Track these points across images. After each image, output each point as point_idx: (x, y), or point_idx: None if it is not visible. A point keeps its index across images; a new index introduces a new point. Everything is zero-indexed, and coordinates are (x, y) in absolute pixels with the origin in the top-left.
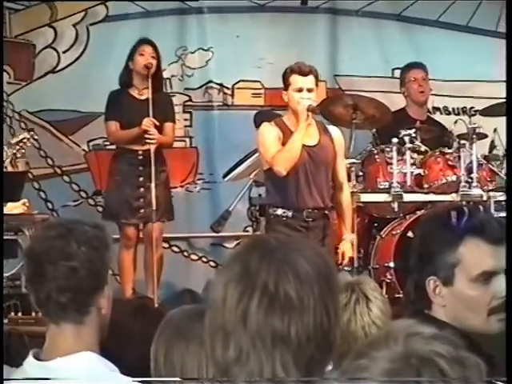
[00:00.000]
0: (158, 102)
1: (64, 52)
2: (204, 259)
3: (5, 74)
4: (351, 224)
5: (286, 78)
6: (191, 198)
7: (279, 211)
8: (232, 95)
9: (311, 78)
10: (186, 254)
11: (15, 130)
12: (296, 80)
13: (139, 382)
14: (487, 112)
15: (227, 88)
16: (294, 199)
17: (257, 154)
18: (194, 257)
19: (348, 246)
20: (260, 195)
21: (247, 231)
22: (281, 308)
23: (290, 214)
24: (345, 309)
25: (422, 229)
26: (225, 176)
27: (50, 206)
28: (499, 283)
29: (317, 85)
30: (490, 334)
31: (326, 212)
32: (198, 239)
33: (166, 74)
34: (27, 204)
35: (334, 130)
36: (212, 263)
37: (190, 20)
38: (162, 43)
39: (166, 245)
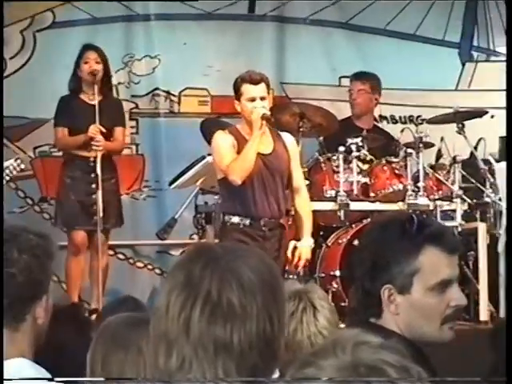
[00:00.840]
0: (108, 106)
1: (11, 58)
2: (149, 267)
3: None
4: (310, 229)
5: (237, 87)
6: (137, 206)
7: (236, 219)
8: (178, 103)
9: (263, 86)
10: (131, 261)
11: None
12: (247, 89)
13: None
14: (435, 120)
15: (174, 95)
16: (251, 208)
17: (203, 162)
18: (139, 264)
19: (306, 250)
20: (206, 203)
21: (193, 239)
22: (223, 316)
23: (247, 222)
24: (291, 318)
25: (373, 237)
26: (171, 183)
27: None
28: (453, 292)
29: (268, 92)
30: (441, 342)
31: (282, 221)
32: (143, 247)
33: (112, 81)
34: None
35: (287, 136)
36: (158, 271)
37: (137, 27)
38: (109, 50)
39: (111, 252)
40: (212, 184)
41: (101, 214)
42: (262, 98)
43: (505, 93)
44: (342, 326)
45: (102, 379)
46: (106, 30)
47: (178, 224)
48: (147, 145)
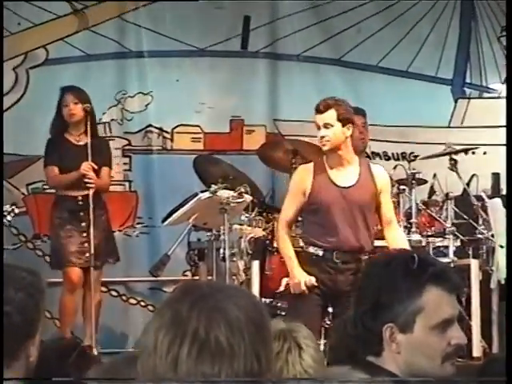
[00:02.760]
0: (95, 146)
1: (4, 95)
2: (142, 303)
3: None
4: None
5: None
6: (130, 242)
7: (311, 249)
8: (171, 139)
9: (329, 113)
10: (124, 298)
11: None
12: (315, 118)
13: None
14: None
15: (167, 132)
16: (324, 239)
17: (196, 199)
18: (132, 301)
19: None
20: (199, 239)
21: (186, 275)
22: (211, 354)
23: (320, 253)
24: (277, 357)
25: (375, 275)
26: (164, 220)
27: None
28: (454, 330)
29: (341, 120)
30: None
31: (360, 256)
32: (136, 283)
33: (105, 118)
34: None
35: (376, 168)
36: (151, 307)
37: (130, 64)
38: (102, 87)
39: (104, 289)
40: (204, 220)
41: (92, 251)
42: (326, 126)
43: (498, 129)
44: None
45: (103, 379)
46: (98, 66)
47: (171, 261)
48: (140, 181)
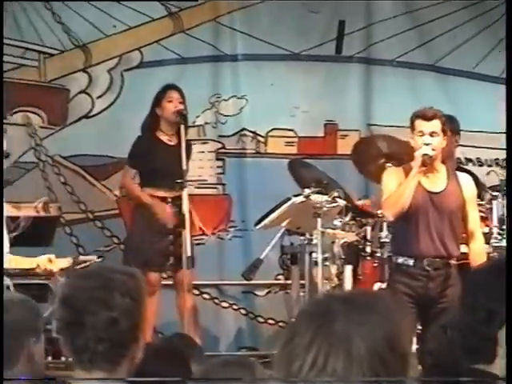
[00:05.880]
0: (187, 147)
1: (98, 97)
2: (235, 307)
3: (38, 118)
4: None
5: (411, 122)
6: (223, 246)
7: (400, 259)
8: (265, 143)
9: (435, 122)
10: (216, 301)
11: (48, 175)
12: (419, 124)
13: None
14: None
15: (261, 136)
16: (414, 247)
17: (289, 203)
18: (224, 304)
19: None
20: (292, 243)
21: (278, 279)
22: (329, 376)
23: (410, 262)
24: None
25: (483, 283)
26: (257, 224)
27: (81, 251)
28: None
29: (443, 130)
30: None
31: (450, 261)
32: (229, 286)
33: (199, 121)
34: (53, 259)
35: (463, 176)
36: (242, 311)
37: (225, 67)
38: (196, 90)
39: (196, 292)
40: (297, 225)
41: (188, 254)
42: (432, 134)
43: None
44: None
45: (104, 379)
46: (193, 69)
47: (264, 264)
48: (233, 185)
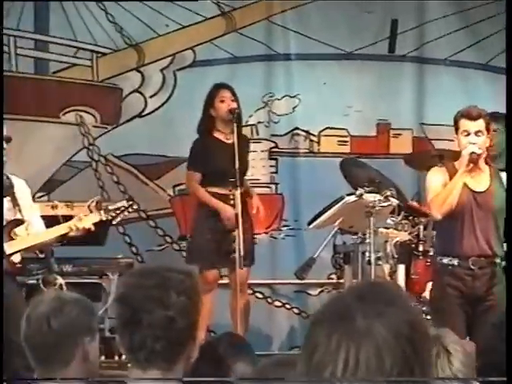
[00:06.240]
0: (244, 145)
1: (151, 96)
2: (287, 306)
3: (91, 117)
4: None
5: (455, 121)
6: (276, 245)
7: (445, 260)
8: (318, 142)
9: (480, 122)
10: (269, 300)
11: (101, 174)
12: (464, 124)
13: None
14: None
15: (313, 135)
16: (458, 246)
17: (342, 202)
18: (277, 303)
19: None
20: (344, 243)
21: (331, 279)
22: (364, 374)
23: (455, 262)
24: None
25: None
26: (310, 223)
27: (134, 250)
28: None
29: (488, 129)
30: None
31: (496, 260)
32: (281, 286)
33: (252, 120)
34: (82, 217)
35: (506, 176)
36: (295, 310)
37: (277, 66)
38: (249, 89)
39: (249, 291)
40: (350, 224)
41: (242, 253)
42: (478, 133)
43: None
44: None
45: (106, 379)
46: (246, 68)
47: (317, 263)
48: (286, 184)
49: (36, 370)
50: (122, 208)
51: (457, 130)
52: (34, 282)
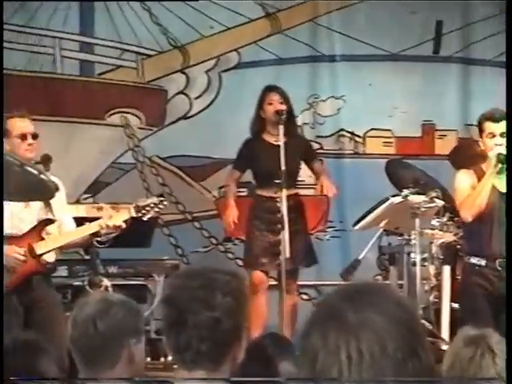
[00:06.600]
0: (296, 146)
1: (196, 98)
2: None
3: (136, 119)
4: None
5: (479, 124)
6: (321, 246)
7: (473, 260)
8: (363, 144)
9: (503, 123)
10: (314, 301)
11: (146, 176)
12: (488, 126)
13: None
14: None
15: (358, 136)
16: (486, 247)
17: (387, 203)
18: None
19: None
20: (390, 244)
21: (376, 280)
22: (368, 366)
23: (483, 262)
24: (470, 363)
25: None
26: (355, 224)
27: (179, 251)
28: None
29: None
30: None
31: None
32: (327, 287)
33: (297, 122)
34: (113, 214)
35: None
36: None
37: (323, 68)
38: (294, 90)
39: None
40: (395, 225)
41: (287, 254)
42: (503, 135)
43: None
44: None
45: (106, 379)
46: (291, 70)
47: (362, 265)
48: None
49: (82, 371)
50: (152, 204)
51: (481, 132)
52: (80, 283)
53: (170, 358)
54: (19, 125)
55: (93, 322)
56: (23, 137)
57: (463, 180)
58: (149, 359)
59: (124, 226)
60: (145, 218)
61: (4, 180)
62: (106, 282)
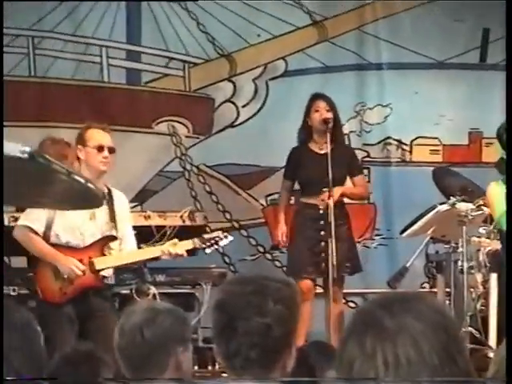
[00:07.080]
0: (341, 155)
1: (243, 106)
2: None
3: (183, 127)
4: None
5: (499, 136)
6: (368, 254)
7: None
8: (410, 151)
9: None
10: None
11: (193, 184)
12: None
13: None
14: None
15: (405, 144)
16: None
17: (434, 211)
18: None
19: None
20: (437, 252)
21: (424, 287)
22: (405, 372)
23: None
24: None
25: None
26: (402, 232)
27: (227, 259)
28: None
29: None
30: None
31: None
32: (374, 295)
33: (344, 130)
34: (177, 243)
35: None
36: None
37: (369, 76)
38: (341, 98)
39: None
40: (443, 233)
41: (334, 262)
42: None
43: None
44: None
45: (106, 379)
46: (337, 78)
47: (409, 272)
48: (379, 193)
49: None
50: (217, 238)
51: (501, 142)
52: (127, 292)
53: (217, 366)
54: (98, 136)
55: (140, 330)
56: (100, 148)
57: (496, 193)
58: (196, 367)
59: (186, 255)
60: (207, 251)
61: (46, 187)
62: (154, 290)
